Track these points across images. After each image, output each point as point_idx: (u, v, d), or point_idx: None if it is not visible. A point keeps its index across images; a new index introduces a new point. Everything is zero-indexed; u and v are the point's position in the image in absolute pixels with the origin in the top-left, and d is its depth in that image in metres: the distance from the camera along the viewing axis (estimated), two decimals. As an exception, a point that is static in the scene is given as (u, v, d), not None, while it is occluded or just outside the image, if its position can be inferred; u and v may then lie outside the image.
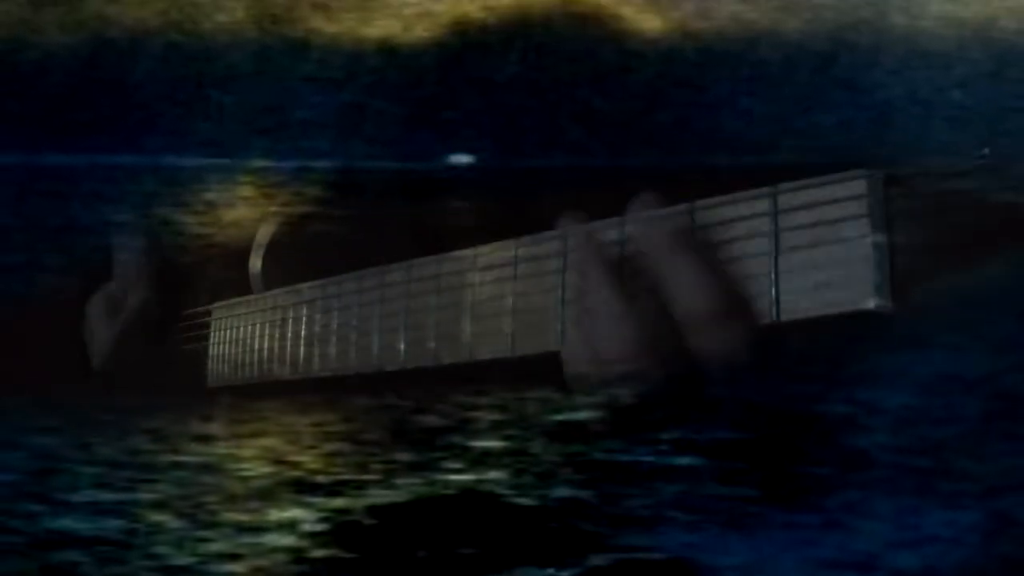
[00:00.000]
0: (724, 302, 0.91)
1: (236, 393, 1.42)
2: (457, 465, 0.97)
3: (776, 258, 0.85)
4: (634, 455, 0.93)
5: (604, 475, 0.93)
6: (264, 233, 1.41)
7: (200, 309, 1.53)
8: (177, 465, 1.06)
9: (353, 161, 1.26)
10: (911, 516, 0.85)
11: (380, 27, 1.25)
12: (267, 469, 1.03)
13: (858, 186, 0.80)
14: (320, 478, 1.01)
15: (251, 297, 1.44)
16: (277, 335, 1.36)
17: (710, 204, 0.91)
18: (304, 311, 1.32)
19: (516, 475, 0.95)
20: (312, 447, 1.05)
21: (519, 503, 0.93)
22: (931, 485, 0.86)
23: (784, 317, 0.84)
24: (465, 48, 1.24)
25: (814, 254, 0.83)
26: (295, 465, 1.03)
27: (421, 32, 1.24)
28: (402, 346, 1.17)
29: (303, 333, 1.32)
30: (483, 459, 0.97)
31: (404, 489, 0.97)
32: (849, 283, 0.80)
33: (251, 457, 1.05)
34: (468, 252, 1.11)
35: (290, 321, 1.34)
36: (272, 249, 1.42)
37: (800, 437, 0.92)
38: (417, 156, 1.23)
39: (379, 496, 0.97)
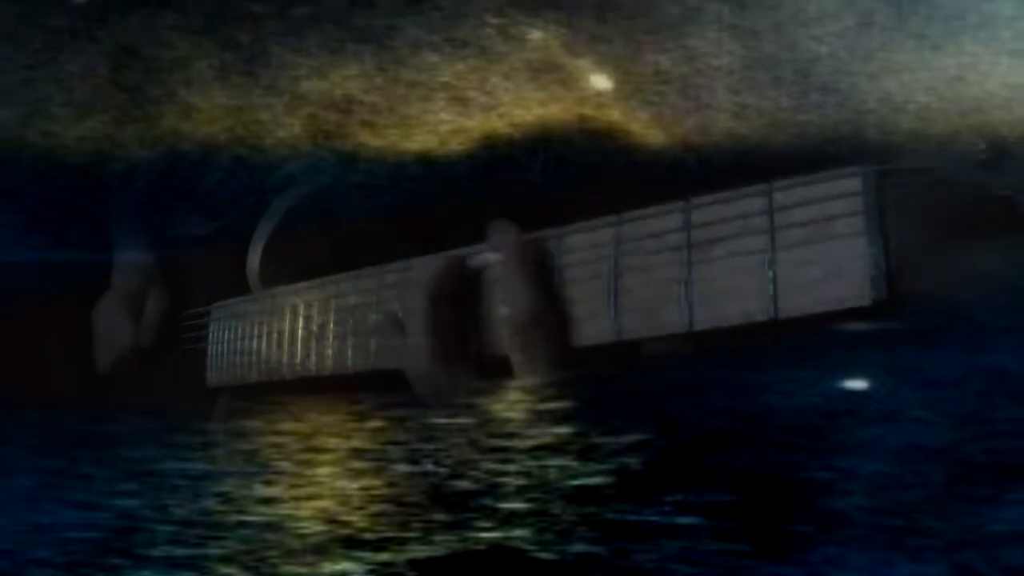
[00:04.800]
0: (535, 316, 0.93)
1: (236, 393, 1.41)
2: (487, 524, 1.02)
3: (773, 255, 0.81)
4: (642, 515, 0.98)
5: (615, 533, 0.98)
6: (262, 233, 1.38)
7: (200, 310, 1.50)
8: (243, 524, 1.10)
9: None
10: (884, 568, 0.90)
11: (419, 142, 1.30)
12: (321, 527, 1.08)
13: (853, 183, 0.76)
14: (367, 535, 1.05)
15: (250, 297, 1.40)
16: (276, 335, 1.32)
17: (705, 202, 0.87)
18: (303, 311, 1.28)
19: (538, 533, 1.00)
20: (360, 508, 1.10)
21: (541, 557, 0.98)
22: (901, 541, 0.91)
23: (782, 314, 0.80)
24: (494, 160, 1.28)
25: (810, 251, 0.78)
26: (345, 524, 1.08)
27: (455, 146, 1.29)
28: None
29: (302, 333, 1.27)
30: (510, 519, 1.02)
31: (441, 545, 1.02)
32: (845, 279, 0.76)
33: (307, 517, 1.10)
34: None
35: (288, 321, 1.30)
36: (270, 249, 1.39)
37: (787, 499, 0.96)
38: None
39: (419, 551, 1.02)
